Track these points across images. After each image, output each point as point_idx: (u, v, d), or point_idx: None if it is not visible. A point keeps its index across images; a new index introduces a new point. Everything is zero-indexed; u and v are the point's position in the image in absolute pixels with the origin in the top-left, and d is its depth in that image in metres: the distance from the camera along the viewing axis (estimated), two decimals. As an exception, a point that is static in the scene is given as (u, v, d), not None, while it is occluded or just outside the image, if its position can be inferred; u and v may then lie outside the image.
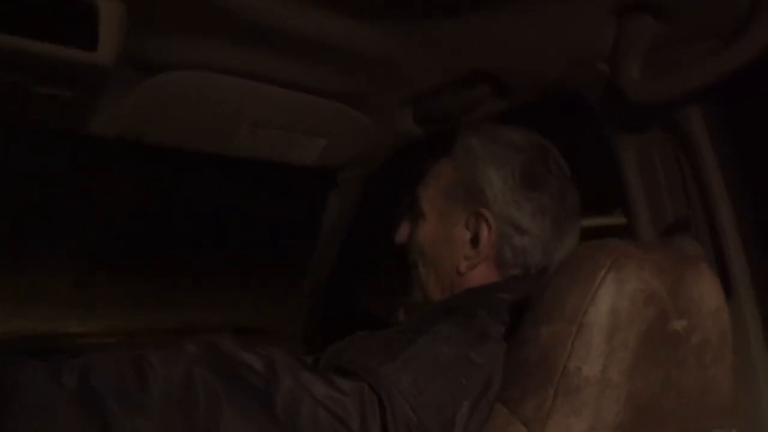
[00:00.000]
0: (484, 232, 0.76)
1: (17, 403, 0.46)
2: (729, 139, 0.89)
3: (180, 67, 0.94)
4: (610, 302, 0.57)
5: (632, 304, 0.58)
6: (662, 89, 0.85)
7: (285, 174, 1.28)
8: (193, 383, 0.49)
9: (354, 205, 1.45)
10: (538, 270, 0.78)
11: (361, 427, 0.52)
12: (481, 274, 0.78)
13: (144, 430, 0.46)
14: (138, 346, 0.55)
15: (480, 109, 1.13)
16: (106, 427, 0.46)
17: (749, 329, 0.83)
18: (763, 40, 0.73)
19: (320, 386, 0.52)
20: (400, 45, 0.92)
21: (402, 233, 0.87)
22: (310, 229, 1.48)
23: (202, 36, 0.88)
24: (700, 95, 0.84)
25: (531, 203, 0.77)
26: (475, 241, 0.78)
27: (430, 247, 0.82)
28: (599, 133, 1.04)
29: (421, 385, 0.55)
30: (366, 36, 0.89)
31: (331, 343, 0.65)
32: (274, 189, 1.46)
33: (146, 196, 1.44)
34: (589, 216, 0.85)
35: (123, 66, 0.86)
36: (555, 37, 0.88)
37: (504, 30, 0.87)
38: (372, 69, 1.00)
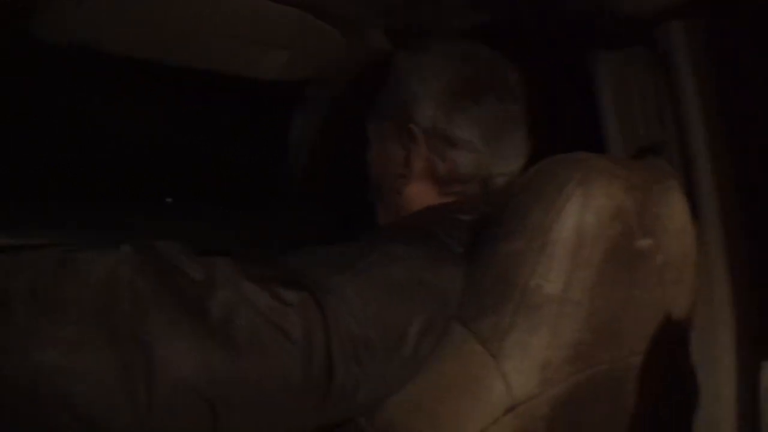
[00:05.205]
0: (413, 148, 0.74)
1: None
2: (710, 60, 0.85)
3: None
4: (576, 218, 0.55)
5: (598, 220, 0.56)
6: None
7: (249, 88, 1.21)
8: (115, 282, 0.46)
9: (322, 124, 1.40)
10: (479, 183, 0.75)
11: (304, 338, 0.50)
12: (420, 192, 0.76)
13: (53, 330, 0.43)
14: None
15: (454, 22, 1.07)
16: (7, 328, 0.43)
17: (712, 254, 0.83)
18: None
19: (262, 297, 0.50)
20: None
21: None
22: (277, 147, 1.43)
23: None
24: (685, 9, 0.80)
25: (461, 114, 0.73)
26: (408, 158, 0.75)
27: (377, 171, 0.81)
28: (576, 52, 1.00)
29: (368, 300, 0.54)
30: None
31: None
32: (238, 104, 1.39)
33: (103, 110, 1.37)
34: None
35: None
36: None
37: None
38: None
